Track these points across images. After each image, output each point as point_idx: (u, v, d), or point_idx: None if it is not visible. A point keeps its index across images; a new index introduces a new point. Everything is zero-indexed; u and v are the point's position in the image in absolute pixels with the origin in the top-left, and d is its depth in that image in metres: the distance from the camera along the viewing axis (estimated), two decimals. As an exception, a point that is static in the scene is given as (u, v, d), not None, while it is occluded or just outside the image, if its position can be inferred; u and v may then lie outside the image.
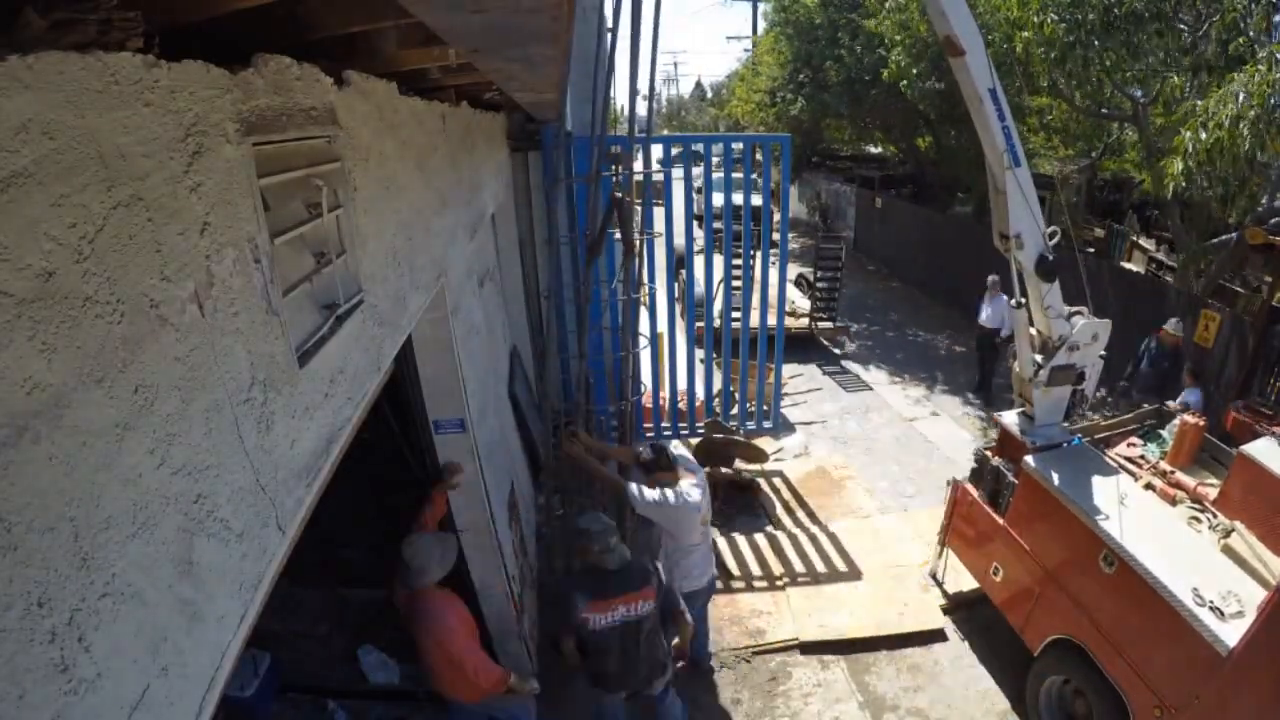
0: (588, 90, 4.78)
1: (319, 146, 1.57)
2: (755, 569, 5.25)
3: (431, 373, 3.01)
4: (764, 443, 6.62)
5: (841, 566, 5.24)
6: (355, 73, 1.84)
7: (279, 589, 1.38)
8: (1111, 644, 3.43)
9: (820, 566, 5.25)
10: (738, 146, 6.22)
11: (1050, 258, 3.82)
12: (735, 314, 6.68)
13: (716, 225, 6.93)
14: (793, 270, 11.82)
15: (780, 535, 5.63)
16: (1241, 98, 5.18)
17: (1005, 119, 3.52)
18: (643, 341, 4.79)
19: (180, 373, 0.99)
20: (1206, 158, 5.53)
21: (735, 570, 5.22)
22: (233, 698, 3.50)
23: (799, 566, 5.26)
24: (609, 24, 3.65)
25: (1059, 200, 11.14)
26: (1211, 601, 3.03)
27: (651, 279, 5.50)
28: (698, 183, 16.64)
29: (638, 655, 3.03)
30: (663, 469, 3.58)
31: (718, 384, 6.83)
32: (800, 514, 6.01)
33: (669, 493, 3.51)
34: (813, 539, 5.57)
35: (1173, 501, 3.79)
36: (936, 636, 4.62)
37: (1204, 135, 5.46)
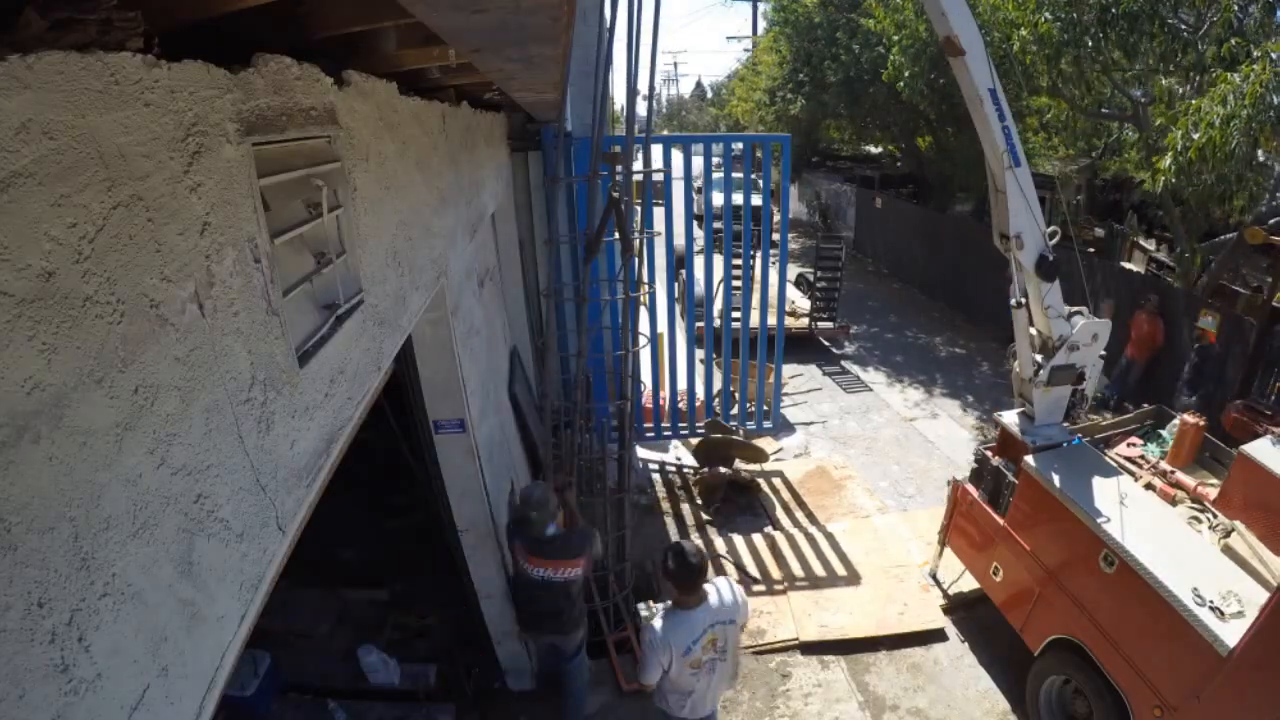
0: (588, 90, 4.78)
1: (319, 146, 1.57)
2: (755, 569, 5.25)
3: (431, 373, 3.01)
4: (764, 443, 6.62)
5: (841, 567, 5.24)
6: (355, 73, 1.83)
7: (279, 589, 1.38)
8: (1112, 644, 3.42)
9: (820, 567, 5.25)
10: (738, 146, 6.23)
11: (1050, 258, 3.82)
12: (735, 314, 6.69)
13: (716, 225, 6.95)
14: (793, 270, 11.81)
15: (780, 535, 5.63)
16: (1231, 98, 5.18)
17: (1005, 119, 3.51)
18: (642, 340, 4.79)
19: (180, 373, 0.99)
20: (1198, 155, 5.53)
21: (734, 572, 5.21)
22: (233, 698, 3.50)
23: (799, 567, 5.25)
24: (608, 24, 3.65)
25: (1059, 200, 11.13)
26: (1211, 601, 3.03)
27: (651, 279, 5.50)
28: (697, 182, 16.67)
29: (557, 608, 3.37)
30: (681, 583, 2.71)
31: (718, 384, 6.84)
32: (800, 514, 6.00)
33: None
34: (812, 539, 5.57)
35: (1173, 501, 3.79)
36: (936, 636, 4.61)
37: (1196, 135, 5.46)
